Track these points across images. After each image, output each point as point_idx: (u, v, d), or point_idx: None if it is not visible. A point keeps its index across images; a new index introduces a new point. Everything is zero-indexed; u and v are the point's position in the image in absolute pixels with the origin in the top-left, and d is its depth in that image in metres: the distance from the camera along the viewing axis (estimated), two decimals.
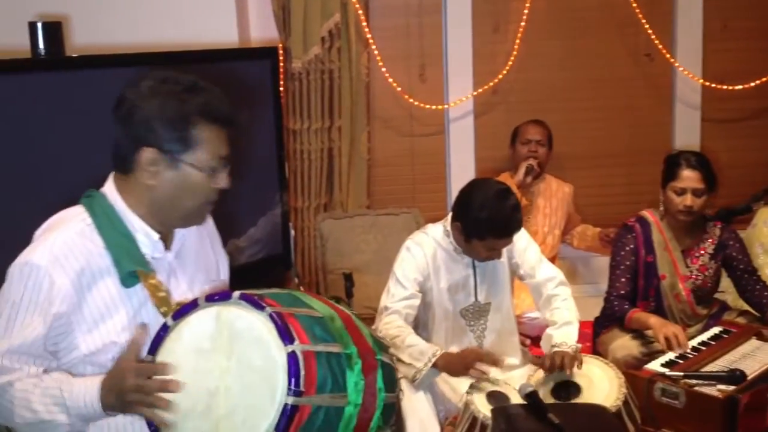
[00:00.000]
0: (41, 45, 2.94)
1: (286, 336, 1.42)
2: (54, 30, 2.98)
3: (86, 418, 1.55)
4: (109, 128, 3.10)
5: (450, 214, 2.77)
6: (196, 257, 1.80)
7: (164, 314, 1.58)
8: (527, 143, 3.93)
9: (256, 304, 1.46)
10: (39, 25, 2.94)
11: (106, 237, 1.62)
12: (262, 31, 4.01)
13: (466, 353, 2.59)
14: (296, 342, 1.42)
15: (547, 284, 2.81)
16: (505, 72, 4.16)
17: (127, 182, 1.66)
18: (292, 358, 1.41)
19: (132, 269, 1.61)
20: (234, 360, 1.45)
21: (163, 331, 1.52)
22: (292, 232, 3.91)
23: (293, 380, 1.40)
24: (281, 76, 3.74)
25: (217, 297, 1.50)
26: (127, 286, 1.61)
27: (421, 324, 2.82)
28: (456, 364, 2.54)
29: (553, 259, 3.88)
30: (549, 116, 4.09)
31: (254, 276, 3.43)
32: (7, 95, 2.80)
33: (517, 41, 4.15)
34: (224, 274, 1.92)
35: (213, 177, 1.65)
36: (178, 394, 1.47)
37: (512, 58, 4.16)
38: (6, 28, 3.22)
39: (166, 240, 1.71)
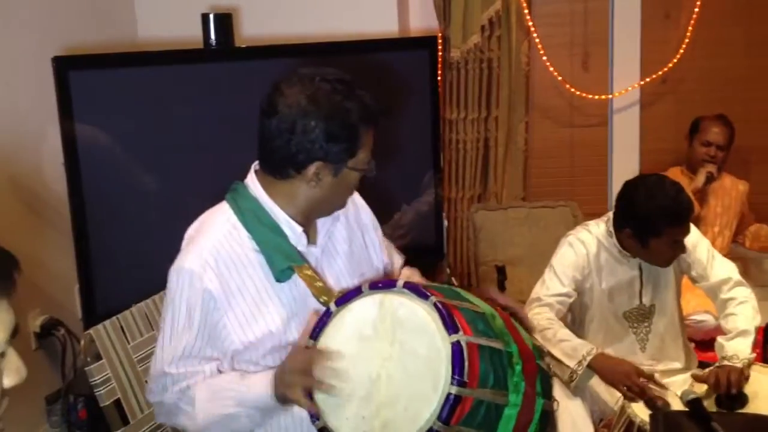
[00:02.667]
0: (212, 36, 3.10)
1: (450, 326, 1.40)
2: (225, 21, 3.13)
3: (263, 411, 1.58)
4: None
5: (610, 217, 2.64)
6: (347, 252, 1.79)
7: (325, 303, 1.58)
8: (707, 146, 3.65)
9: (421, 293, 1.45)
10: (211, 16, 3.09)
11: (254, 235, 1.64)
12: (422, 20, 4.02)
13: (629, 371, 2.40)
14: (461, 332, 1.40)
15: (722, 287, 2.61)
16: (676, 60, 3.95)
17: (280, 185, 1.66)
18: (456, 347, 1.38)
19: (286, 265, 1.62)
20: (396, 347, 1.44)
21: (326, 317, 1.53)
22: (445, 222, 3.90)
23: (457, 370, 1.37)
24: (439, 66, 3.74)
25: (381, 285, 1.50)
26: (282, 281, 1.63)
27: (576, 324, 2.72)
28: (612, 375, 2.41)
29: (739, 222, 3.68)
30: (725, 107, 3.83)
31: (406, 264, 3.45)
32: (181, 84, 2.97)
33: (690, 27, 3.92)
34: (379, 262, 1.90)
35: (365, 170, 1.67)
36: (342, 377, 1.47)
37: (684, 45, 3.94)
38: (180, 20, 3.42)
39: (310, 234, 1.72)
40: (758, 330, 2.63)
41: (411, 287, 1.47)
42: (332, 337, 1.51)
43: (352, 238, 1.82)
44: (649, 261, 2.58)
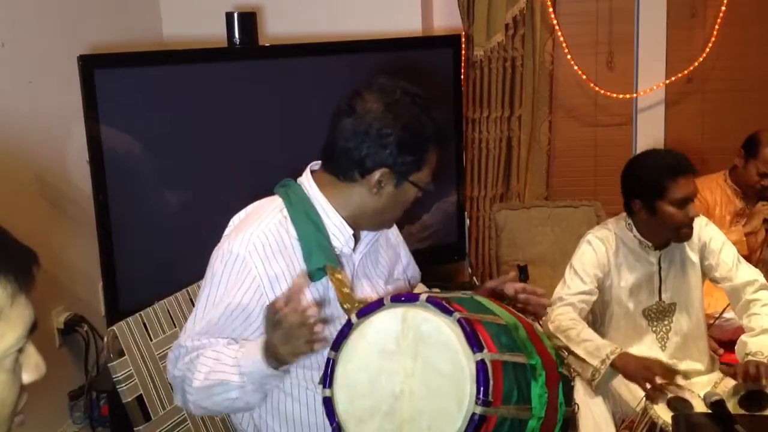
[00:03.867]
0: (237, 35, 3.11)
1: (474, 343, 1.38)
2: (249, 20, 3.14)
3: (256, 378, 1.56)
4: (299, 116, 3.24)
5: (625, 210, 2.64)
6: (379, 262, 1.82)
7: (347, 311, 1.58)
8: (764, 177, 3.35)
9: (444, 308, 1.43)
10: (235, 15, 3.11)
11: (299, 228, 1.65)
12: (446, 19, 4.01)
13: (651, 365, 2.40)
14: (485, 350, 1.38)
15: (746, 288, 2.58)
16: (701, 59, 3.90)
17: (339, 186, 1.68)
18: (481, 366, 1.37)
19: (322, 264, 1.62)
20: (419, 363, 1.43)
21: (347, 329, 1.50)
22: (467, 222, 3.89)
23: (482, 389, 1.36)
24: (463, 65, 3.72)
25: (403, 298, 1.48)
26: (314, 280, 1.63)
27: (598, 321, 2.71)
28: (635, 371, 2.40)
29: (756, 262, 3.59)
30: (749, 107, 3.80)
31: (428, 263, 3.45)
32: (205, 83, 2.98)
33: (716, 26, 3.88)
34: (409, 274, 1.94)
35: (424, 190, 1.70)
36: (364, 391, 1.46)
37: (710, 44, 3.89)
38: (205, 18, 3.44)
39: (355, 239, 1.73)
40: None
41: (434, 302, 1.45)
42: (354, 349, 1.49)
43: (386, 248, 1.86)
44: (665, 236, 2.57)
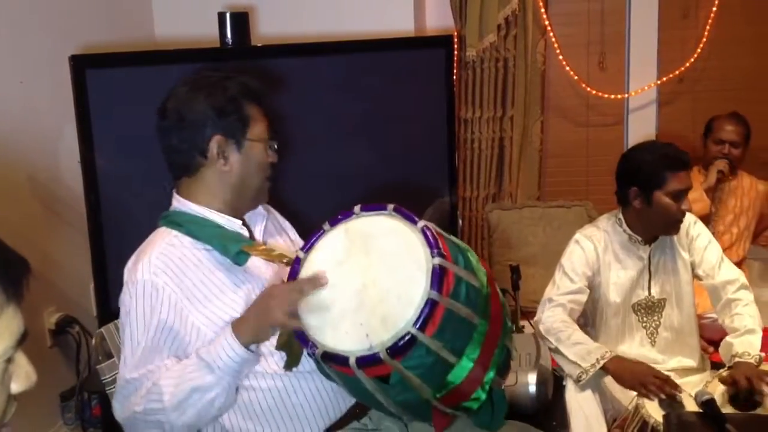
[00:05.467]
0: (229, 35, 3.10)
1: (412, 218, 1.52)
2: (241, 20, 3.13)
3: (232, 367, 1.57)
4: (291, 116, 3.23)
5: (620, 209, 2.65)
6: (279, 245, 1.86)
7: (289, 263, 1.64)
8: (720, 143, 3.60)
9: (378, 207, 1.57)
10: (227, 15, 3.10)
11: (199, 235, 1.70)
12: (438, 19, 4.02)
13: (644, 371, 2.41)
14: (423, 221, 1.52)
15: (727, 287, 2.60)
16: (693, 59, 3.92)
17: (196, 183, 1.74)
18: (425, 230, 1.50)
19: (239, 248, 1.67)
20: (373, 256, 1.53)
21: (297, 265, 1.59)
22: (460, 222, 3.89)
23: (433, 245, 1.47)
24: (455, 65, 3.73)
25: (340, 216, 1.59)
26: (241, 264, 1.68)
27: (589, 320, 2.72)
28: (628, 376, 2.40)
29: (741, 262, 3.62)
30: (742, 106, 3.79)
31: None
32: None
33: (708, 27, 3.90)
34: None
35: (270, 152, 1.76)
36: (330, 304, 1.52)
37: (701, 44, 3.91)
38: (197, 18, 3.43)
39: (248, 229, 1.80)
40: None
41: (367, 207, 1.58)
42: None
43: (281, 236, 1.92)
44: (655, 229, 2.59)
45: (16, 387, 0.92)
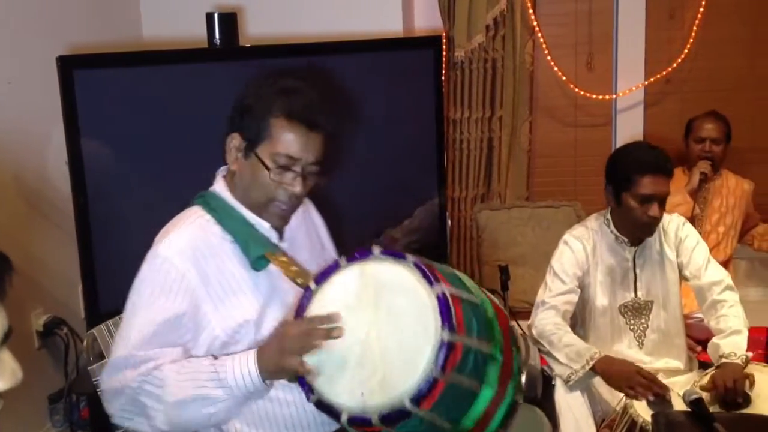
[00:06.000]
0: (217, 35, 3.10)
1: (430, 279, 1.44)
2: (229, 21, 3.13)
3: (243, 392, 1.55)
4: None
5: (608, 209, 2.67)
6: (308, 246, 1.84)
7: (302, 285, 1.60)
8: (701, 142, 3.63)
9: (398, 255, 1.50)
10: (216, 16, 3.09)
11: (228, 228, 1.67)
12: (427, 20, 4.02)
13: (632, 372, 2.40)
14: (441, 284, 1.44)
15: (712, 288, 2.62)
16: (680, 60, 3.94)
17: (232, 173, 1.74)
18: (441, 298, 1.42)
19: (261, 253, 1.64)
20: (383, 310, 1.47)
21: (308, 295, 1.55)
22: (449, 222, 3.90)
23: (446, 318, 1.41)
24: (444, 66, 3.73)
25: (358, 255, 1.53)
26: (258, 269, 1.65)
27: (578, 321, 2.73)
28: (616, 376, 2.41)
29: (728, 261, 3.64)
30: (729, 107, 3.82)
31: None
32: (185, 83, 2.97)
33: (695, 27, 3.92)
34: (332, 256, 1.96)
35: (279, 176, 1.64)
36: (331, 350, 1.48)
37: (689, 45, 3.93)
38: (185, 19, 3.42)
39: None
40: (760, 330, 2.63)
41: (389, 252, 1.51)
42: (317, 313, 1.53)
43: (309, 232, 1.88)
44: (625, 227, 2.61)
45: (1, 384, 0.92)
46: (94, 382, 2.05)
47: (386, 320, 1.46)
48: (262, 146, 1.65)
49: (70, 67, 2.67)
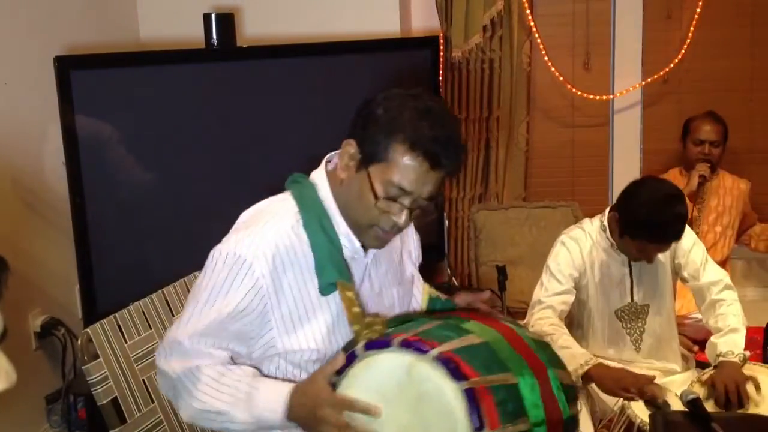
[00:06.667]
0: (214, 36, 3.10)
1: (477, 419, 1.38)
2: (227, 21, 3.14)
3: (263, 422, 1.54)
4: (277, 117, 3.23)
5: (605, 213, 2.65)
6: (389, 257, 1.74)
7: (356, 333, 1.54)
8: (699, 144, 3.64)
9: (452, 372, 1.42)
10: (213, 16, 3.10)
11: (313, 238, 1.56)
12: (424, 20, 4.02)
13: (625, 377, 2.38)
14: (485, 430, 1.38)
15: (711, 288, 2.61)
16: (677, 60, 3.95)
17: (334, 172, 1.60)
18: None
19: (333, 280, 1.56)
20: (417, 421, 1.43)
21: (351, 358, 1.50)
22: (446, 223, 3.90)
23: None
24: (441, 66, 3.73)
25: (412, 347, 1.46)
26: (324, 294, 1.57)
27: (575, 323, 2.72)
28: (610, 383, 2.40)
29: (725, 261, 3.64)
30: (726, 107, 3.83)
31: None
32: (182, 84, 2.97)
33: (692, 27, 3.92)
34: (414, 257, 1.87)
35: (386, 205, 1.52)
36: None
37: (685, 45, 3.94)
38: (182, 19, 3.43)
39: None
40: (758, 330, 2.63)
41: (443, 361, 1.42)
42: (354, 385, 1.48)
43: (397, 245, 1.78)
44: (619, 247, 2.60)
45: None
46: (89, 382, 2.04)
47: (420, 429, 1.43)
48: (377, 167, 1.51)
49: (67, 67, 2.67)
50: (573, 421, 1.55)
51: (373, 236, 1.58)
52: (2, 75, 2.93)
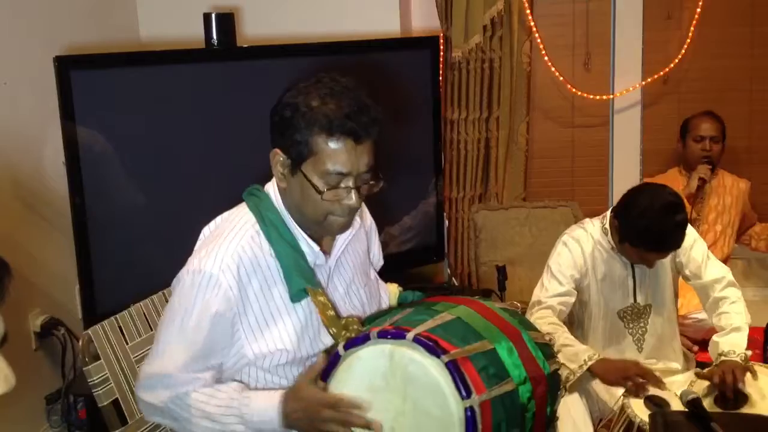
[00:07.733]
0: (214, 36, 3.09)
1: (463, 388, 1.42)
2: (227, 21, 3.13)
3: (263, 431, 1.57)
4: None
5: (606, 215, 2.65)
6: (355, 262, 1.77)
7: (334, 336, 1.58)
8: (700, 141, 3.66)
9: (431, 349, 1.46)
10: (213, 16, 3.09)
11: (275, 247, 1.59)
12: (424, 20, 4.02)
13: (628, 366, 2.43)
14: (473, 395, 1.42)
15: (714, 285, 2.62)
16: (677, 60, 3.95)
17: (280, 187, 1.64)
18: (470, 413, 1.41)
19: (302, 287, 1.58)
20: (409, 404, 1.46)
21: (335, 360, 1.53)
22: (446, 223, 3.90)
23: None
24: (441, 66, 3.73)
25: (390, 335, 1.50)
26: (295, 302, 1.60)
27: (576, 323, 2.72)
28: (614, 374, 2.42)
29: (725, 260, 3.64)
30: (725, 107, 3.83)
31: (407, 265, 3.45)
32: (182, 84, 2.96)
33: (692, 27, 3.92)
34: (374, 262, 1.90)
35: (331, 192, 1.54)
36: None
37: (686, 45, 3.94)
38: (182, 19, 3.42)
39: (324, 243, 1.68)
40: (758, 330, 2.63)
41: (421, 342, 1.46)
42: (343, 384, 1.52)
43: (356, 249, 1.79)
44: (620, 251, 2.61)
45: None
46: (90, 383, 2.04)
47: (412, 414, 1.46)
48: (308, 163, 1.53)
49: (67, 67, 2.66)
50: (555, 376, 1.63)
51: (334, 225, 1.61)
52: (2, 75, 2.93)
